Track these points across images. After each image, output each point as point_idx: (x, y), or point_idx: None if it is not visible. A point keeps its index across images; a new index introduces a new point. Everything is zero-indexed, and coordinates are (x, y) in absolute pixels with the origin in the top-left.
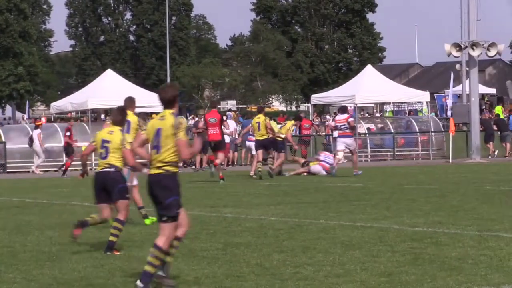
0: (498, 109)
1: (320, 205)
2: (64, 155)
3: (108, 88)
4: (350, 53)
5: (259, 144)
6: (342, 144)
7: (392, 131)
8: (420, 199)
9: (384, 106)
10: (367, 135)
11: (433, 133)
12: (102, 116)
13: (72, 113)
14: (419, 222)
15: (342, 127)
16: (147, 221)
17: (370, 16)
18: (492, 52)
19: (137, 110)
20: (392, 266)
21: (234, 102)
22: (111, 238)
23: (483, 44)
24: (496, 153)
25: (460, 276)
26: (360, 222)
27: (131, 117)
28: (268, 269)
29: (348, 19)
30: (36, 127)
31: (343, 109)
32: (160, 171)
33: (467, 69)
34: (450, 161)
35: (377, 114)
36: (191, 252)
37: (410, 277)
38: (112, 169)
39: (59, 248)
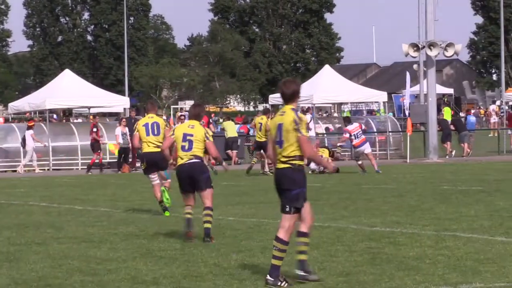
0: (447, 111)
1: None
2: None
3: (66, 88)
4: (308, 53)
5: (258, 146)
6: (368, 148)
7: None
8: (377, 199)
9: (342, 106)
10: (325, 135)
11: (390, 133)
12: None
13: (30, 113)
14: (376, 222)
15: (358, 134)
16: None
17: (328, 16)
18: (450, 52)
19: (95, 110)
20: (350, 265)
21: (192, 102)
22: (207, 225)
23: (440, 44)
24: (453, 153)
25: (418, 275)
26: (318, 222)
27: (157, 118)
28: (226, 269)
29: (306, 19)
30: (29, 127)
31: (306, 110)
32: (287, 165)
33: (424, 69)
34: (408, 161)
35: (335, 114)
36: (149, 252)
37: (368, 276)
38: (197, 160)
39: (17, 248)
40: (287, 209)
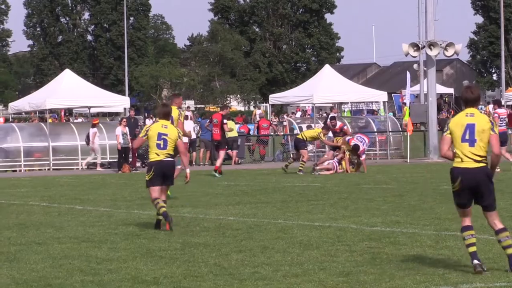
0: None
1: (279, 205)
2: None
3: (66, 88)
4: (308, 53)
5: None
6: None
7: (351, 130)
8: (378, 198)
9: (342, 106)
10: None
11: (391, 133)
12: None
13: (31, 113)
14: (377, 221)
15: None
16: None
17: (328, 16)
18: (450, 52)
19: (95, 110)
20: (350, 265)
21: (192, 102)
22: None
23: (440, 44)
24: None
25: (418, 275)
26: (318, 222)
27: (173, 111)
28: (227, 269)
29: (306, 19)
30: (93, 125)
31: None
32: (482, 164)
33: (424, 69)
34: (408, 161)
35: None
36: (149, 252)
37: (368, 276)
38: (171, 159)
39: (18, 248)
40: (495, 205)
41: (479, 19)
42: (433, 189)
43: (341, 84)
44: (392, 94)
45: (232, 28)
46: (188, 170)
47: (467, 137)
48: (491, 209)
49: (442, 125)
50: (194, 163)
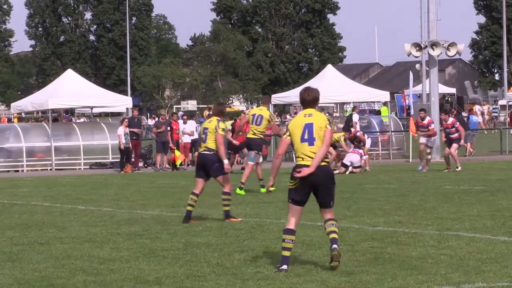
0: (384, 110)
1: (281, 205)
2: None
3: (69, 88)
4: (310, 53)
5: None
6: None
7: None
8: (380, 198)
9: (345, 106)
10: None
11: (393, 133)
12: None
13: (33, 113)
14: (379, 221)
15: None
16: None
17: (331, 16)
18: (452, 52)
19: (98, 110)
20: (353, 265)
21: (194, 102)
22: (225, 208)
23: (443, 44)
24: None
25: (420, 275)
26: (320, 222)
27: (264, 111)
28: (229, 269)
29: (308, 19)
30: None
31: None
32: (323, 163)
33: (427, 68)
34: (410, 161)
35: (337, 114)
36: (152, 252)
37: (370, 276)
38: (209, 152)
39: (20, 248)
40: (332, 204)
41: (482, 19)
42: (435, 189)
43: (343, 84)
44: (395, 94)
45: (235, 28)
46: (225, 161)
47: (306, 136)
48: (328, 206)
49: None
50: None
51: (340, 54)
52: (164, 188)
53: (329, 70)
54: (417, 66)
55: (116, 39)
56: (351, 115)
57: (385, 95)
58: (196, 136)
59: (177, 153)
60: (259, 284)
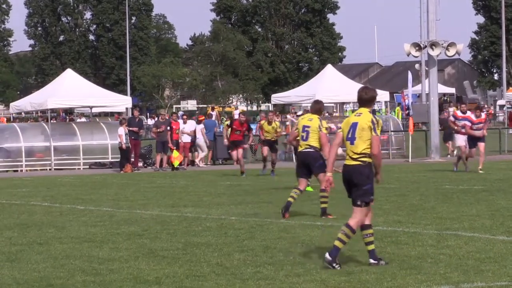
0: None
1: (281, 205)
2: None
3: (68, 88)
4: (310, 53)
5: None
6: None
7: None
8: (379, 198)
9: (344, 106)
10: (328, 134)
11: (392, 133)
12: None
13: (32, 112)
14: (378, 221)
15: None
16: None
17: (330, 16)
18: (451, 52)
19: (97, 110)
20: (352, 265)
21: (194, 102)
22: (322, 205)
23: (442, 44)
24: (455, 152)
25: (419, 275)
26: (320, 221)
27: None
28: (229, 269)
29: (308, 19)
30: (199, 122)
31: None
32: (357, 162)
33: (426, 68)
34: (410, 161)
35: (337, 114)
36: (152, 252)
37: (370, 276)
38: (311, 150)
39: (19, 248)
40: (358, 203)
41: (481, 19)
42: (435, 189)
43: (343, 83)
44: (394, 94)
45: (235, 28)
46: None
47: (349, 135)
48: (353, 204)
49: (444, 124)
50: (196, 163)
51: (340, 54)
52: (164, 188)
53: (329, 70)
54: (417, 66)
55: (116, 39)
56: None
57: (384, 95)
58: (198, 136)
59: (175, 153)
60: (259, 284)
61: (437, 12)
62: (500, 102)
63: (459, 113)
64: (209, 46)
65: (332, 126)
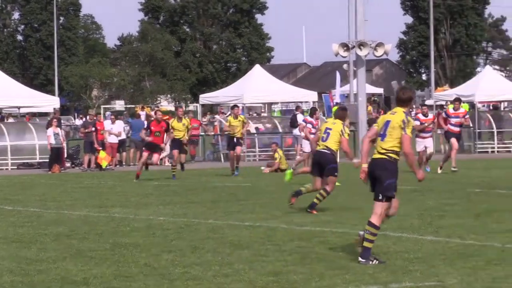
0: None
1: (209, 205)
2: None
3: None
4: (238, 53)
5: None
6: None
7: (281, 130)
8: (308, 198)
9: (272, 106)
10: (256, 135)
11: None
12: None
13: None
14: (307, 221)
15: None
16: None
17: (259, 16)
18: (380, 52)
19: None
20: (280, 265)
21: (122, 102)
22: (315, 200)
23: (370, 44)
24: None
25: (347, 275)
26: (248, 222)
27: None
28: (157, 269)
29: (236, 19)
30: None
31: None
32: (384, 156)
33: (354, 69)
34: (338, 161)
35: (265, 114)
36: (79, 252)
37: (298, 276)
38: (328, 151)
39: None
40: (380, 197)
41: (409, 19)
42: (362, 189)
43: (271, 84)
44: (322, 94)
45: (163, 28)
46: (355, 160)
47: (381, 132)
48: (374, 199)
49: (371, 125)
50: (124, 163)
51: (268, 54)
52: (92, 189)
53: (257, 70)
54: (345, 66)
55: (44, 39)
56: (295, 115)
57: (312, 95)
58: (124, 136)
59: (102, 154)
60: (187, 284)
61: (365, 12)
62: (428, 102)
63: (451, 110)
64: (137, 46)
65: (260, 126)
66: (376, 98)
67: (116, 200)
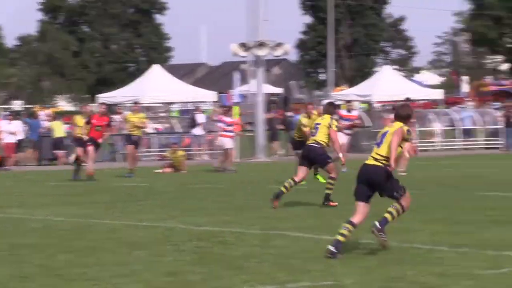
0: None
1: (107, 205)
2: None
3: None
4: (137, 53)
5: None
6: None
7: (179, 130)
8: (207, 198)
9: (170, 106)
10: (154, 135)
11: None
12: None
13: None
14: (205, 221)
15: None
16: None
17: (158, 16)
18: (279, 52)
19: None
20: (178, 265)
21: (20, 102)
22: (327, 191)
23: (269, 44)
24: (281, 152)
25: (245, 275)
26: (146, 222)
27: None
28: (55, 270)
29: (136, 18)
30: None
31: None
32: (379, 163)
33: (253, 68)
34: (238, 160)
35: (164, 114)
36: None
37: (195, 276)
38: (317, 145)
39: None
40: (395, 195)
41: (308, 19)
42: (261, 189)
43: (170, 83)
44: (220, 94)
45: (62, 27)
46: (340, 155)
47: (378, 140)
48: (392, 198)
49: (270, 125)
50: (19, 163)
51: (167, 54)
52: None
53: (156, 70)
54: (244, 66)
55: None
56: (194, 115)
57: (212, 95)
58: (22, 136)
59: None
60: (84, 285)
61: (265, 12)
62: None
63: (344, 112)
64: (36, 46)
65: (159, 126)
66: (275, 98)
67: (13, 200)
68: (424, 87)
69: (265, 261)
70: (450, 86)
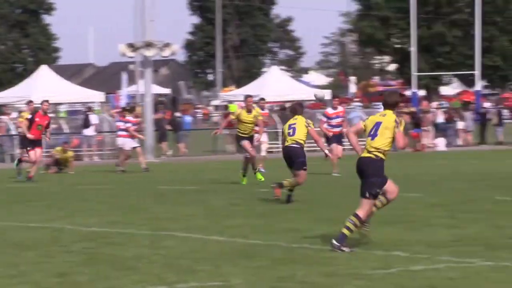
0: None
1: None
2: None
3: None
4: (25, 53)
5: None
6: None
7: (68, 131)
8: (95, 199)
9: (58, 107)
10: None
11: (107, 133)
12: None
13: None
14: (93, 222)
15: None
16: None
17: (46, 17)
18: (167, 53)
19: None
20: (66, 266)
21: None
22: (289, 192)
23: (157, 45)
24: (169, 152)
25: (134, 275)
26: (34, 223)
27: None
28: None
29: (24, 19)
30: None
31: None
32: (371, 155)
33: (141, 69)
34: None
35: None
36: None
37: (84, 277)
38: (297, 145)
39: None
40: (367, 195)
41: (196, 19)
42: (150, 189)
43: (58, 84)
44: (108, 95)
45: None
46: (326, 151)
47: (372, 132)
48: (361, 196)
49: (158, 125)
50: None
51: (55, 54)
52: None
53: (44, 70)
54: (131, 66)
55: None
56: (87, 115)
57: (99, 96)
58: None
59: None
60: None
61: (152, 13)
62: (214, 102)
63: (330, 111)
64: None
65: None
66: (163, 99)
67: None
68: (312, 87)
69: (154, 262)
70: (338, 87)
